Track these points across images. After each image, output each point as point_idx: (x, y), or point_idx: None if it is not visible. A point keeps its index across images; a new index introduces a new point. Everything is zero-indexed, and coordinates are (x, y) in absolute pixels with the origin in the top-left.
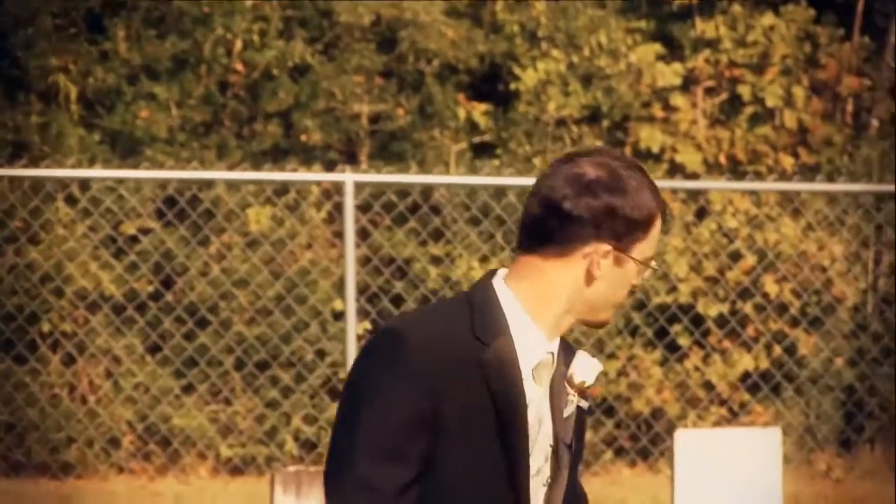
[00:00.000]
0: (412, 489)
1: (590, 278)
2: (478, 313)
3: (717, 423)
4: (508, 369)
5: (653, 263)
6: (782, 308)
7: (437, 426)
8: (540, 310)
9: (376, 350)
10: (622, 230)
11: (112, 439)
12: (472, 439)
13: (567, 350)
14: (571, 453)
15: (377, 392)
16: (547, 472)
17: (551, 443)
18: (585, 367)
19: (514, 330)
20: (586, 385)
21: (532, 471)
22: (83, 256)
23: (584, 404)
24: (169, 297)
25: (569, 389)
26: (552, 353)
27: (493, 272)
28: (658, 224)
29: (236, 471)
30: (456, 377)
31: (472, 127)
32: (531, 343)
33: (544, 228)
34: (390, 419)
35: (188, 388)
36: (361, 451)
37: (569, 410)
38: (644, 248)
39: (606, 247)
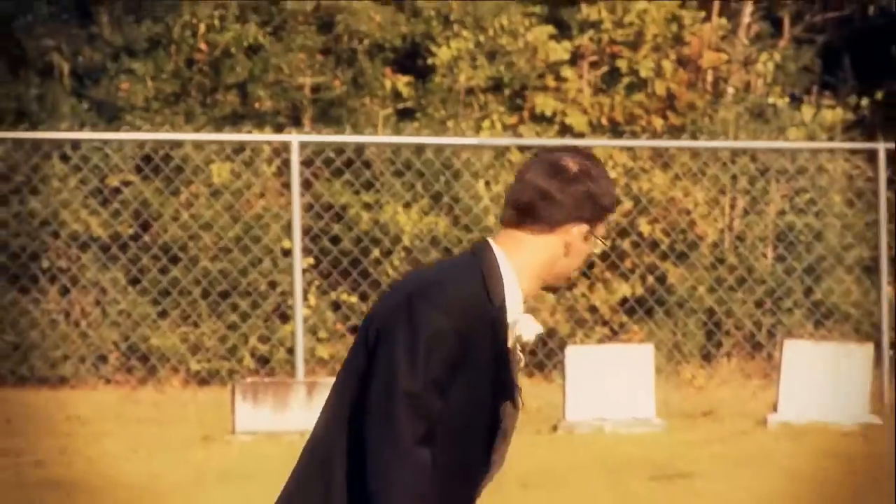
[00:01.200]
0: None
1: (567, 251)
2: (488, 279)
3: (600, 341)
4: (505, 327)
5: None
6: (654, 245)
7: (458, 366)
8: (524, 276)
9: (425, 305)
10: (595, 213)
11: (100, 356)
12: (477, 377)
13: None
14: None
15: (427, 343)
16: (509, 413)
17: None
18: (529, 329)
19: (507, 292)
20: (528, 342)
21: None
22: (75, 205)
23: (522, 359)
24: (146, 238)
25: (517, 342)
26: (521, 316)
27: (487, 241)
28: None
29: (203, 382)
30: (478, 331)
31: (397, 95)
32: (514, 304)
33: (535, 210)
34: (435, 358)
35: (163, 314)
36: (415, 377)
37: (521, 363)
38: (602, 227)
39: (584, 226)
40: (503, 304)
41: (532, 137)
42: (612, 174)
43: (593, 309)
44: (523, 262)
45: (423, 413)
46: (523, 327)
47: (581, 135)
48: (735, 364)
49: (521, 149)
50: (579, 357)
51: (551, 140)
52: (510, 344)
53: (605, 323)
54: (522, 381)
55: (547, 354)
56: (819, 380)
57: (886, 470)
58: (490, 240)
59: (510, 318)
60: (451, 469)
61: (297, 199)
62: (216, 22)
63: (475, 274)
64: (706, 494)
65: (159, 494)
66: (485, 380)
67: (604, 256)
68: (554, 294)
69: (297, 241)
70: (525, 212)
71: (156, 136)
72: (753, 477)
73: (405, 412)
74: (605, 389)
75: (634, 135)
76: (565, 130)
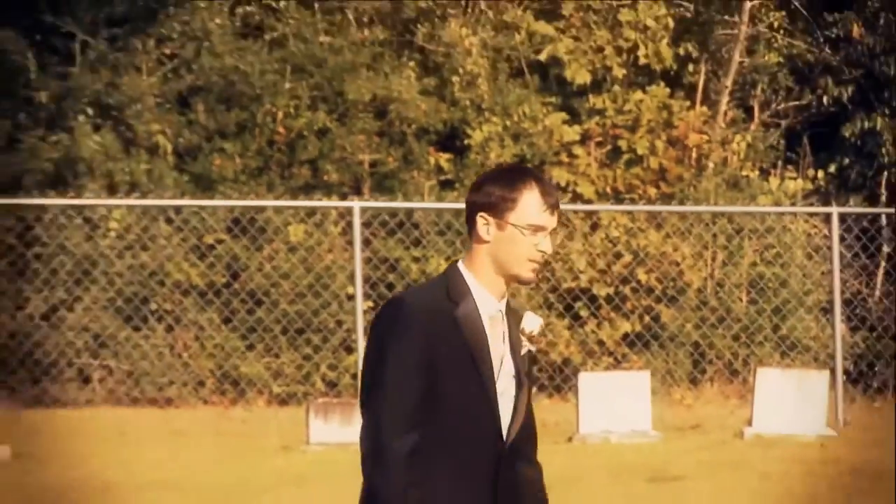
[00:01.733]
0: (417, 411)
1: (496, 245)
2: (450, 283)
3: (606, 368)
4: (473, 320)
5: (539, 235)
6: (650, 290)
7: (433, 366)
8: (483, 279)
9: (387, 315)
10: (495, 204)
11: (199, 381)
12: (458, 371)
13: (513, 312)
14: (528, 379)
15: (392, 344)
16: (512, 391)
17: (514, 373)
18: (531, 321)
19: (475, 294)
20: (532, 333)
21: (499, 389)
22: (177, 258)
23: (531, 347)
24: (236, 285)
25: (522, 337)
26: (500, 311)
27: (456, 260)
28: (527, 200)
29: (283, 402)
30: (441, 328)
31: (439, 169)
32: (486, 303)
33: (468, 223)
34: (403, 363)
35: (250, 347)
36: (392, 381)
37: (523, 351)
38: (518, 216)
39: (484, 214)
40: (468, 301)
41: None
42: (615, 233)
43: (601, 342)
44: (477, 267)
45: (396, 403)
46: (526, 322)
47: (589, 201)
48: (717, 387)
49: None
50: (589, 381)
51: (564, 205)
52: (495, 333)
53: (610, 353)
54: (545, 400)
55: (563, 379)
56: (785, 400)
57: (840, 472)
58: (459, 260)
59: (485, 313)
60: (451, 444)
61: (358, 253)
62: (291, 110)
63: (438, 283)
64: (693, 493)
65: (247, 494)
66: (461, 363)
67: (609, 300)
68: (568, 331)
69: (358, 288)
70: (468, 229)
71: (243, 203)
72: (732, 478)
73: (377, 404)
74: (611, 407)
75: (633, 201)
76: (576, 197)
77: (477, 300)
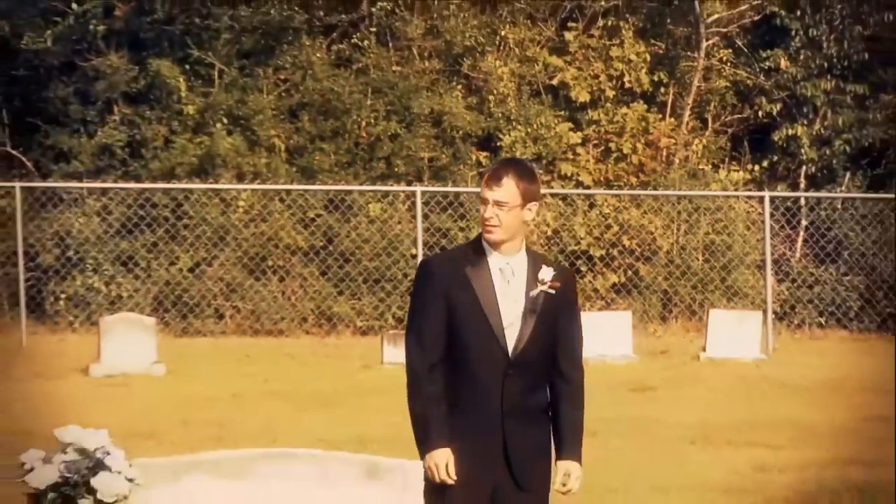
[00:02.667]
0: (439, 336)
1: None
2: (471, 246)
3: (600, 309)
4: (480, 272)
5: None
6: (631, 252)
7: (450, 307)
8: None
9: (417, 272)
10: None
11: (303, 318)
12: (469, 310)
13: (537, 259)
14: (535, 315)
15: (421, 293)
16: (519, 323)
17: (523, 310)
18: (544, 272)
19: (487, 254)
20: (544, 279)
21: (508, 321)
22: (288, 228)
23: (547, 290)
24: (331, 247)
25: (538, 283)
26: (508, 264)
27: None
28: (484, 184)
29: (364, 333)
30: (455, 280)
31: (479, 164)
32: (495, 260)
33: None
34: (423, 304)
35: (340, 293)
36: (417, 317)
37: (535, 293)
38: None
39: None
40: (475, 259)
41: (558, 189)
42: (606, 210)
43: (595, 290)
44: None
45: (417, 332)
46: (541, 273)
47: (588, 187)
48: (680, 323)
49: (553, 195)
50: (587, 319)
51: (570, 190)
52: (500, 282)
53: (602, 298)
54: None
55: None
56: (730, 333)
57: (770, 385)
58: None
59: (494, 266)
60: (466, 363)
61: (419, 225)
62: (371, 120)
63: (461, 247)
64: (663, 399)
65: (338, 400)
66: (471, 304)
67: (601, 259)
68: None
69: (419, 250)
70: None
71: (336, 188)
72: (691, 389)
73: (407, 335)
74: (604, 338)
75: (620, 187)
76: (578, 184)
77: (488, 258)
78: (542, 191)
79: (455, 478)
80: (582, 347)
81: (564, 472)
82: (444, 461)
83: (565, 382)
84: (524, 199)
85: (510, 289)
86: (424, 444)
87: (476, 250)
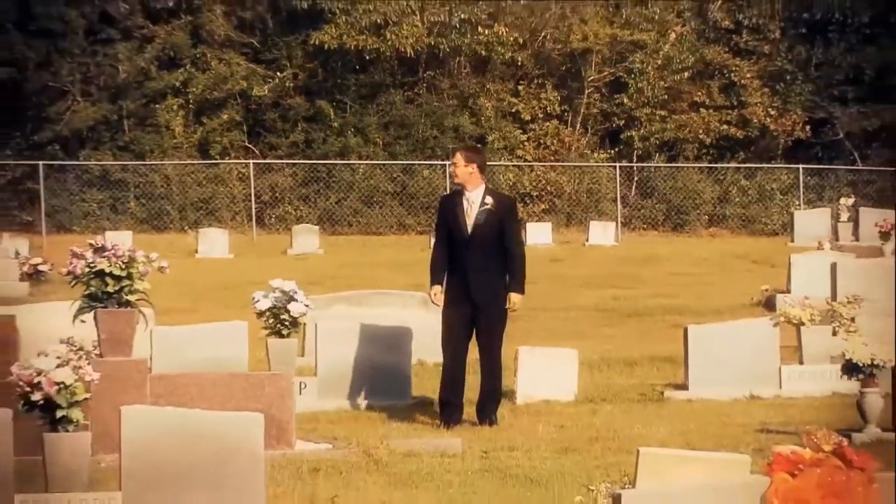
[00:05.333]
0: (443, 237)
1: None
2: (456, 191)
3: (537, 221)
4: (454, 203)
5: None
6: (550, 193)
7: (447, 221)
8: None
9: (438, 204)
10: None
11: None
12: (452, 222)
13: (490, 193)
14: (482, 218)
15: (437, 217)
16: (472, 224)
17: (475, 220)
18: (487, 199)
19: (462, 193)
20: (487, 203)
21: (468, 223)
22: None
23: (490, 207)
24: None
25: (484, 203)
26: (469, 197)
27: None
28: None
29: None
30: (448, 207)
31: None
32: (464, 195)
33: None
34: (437, 222)
35: None
36: (436, 229)
37: (482, 209)
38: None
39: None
40: (454, 197)
41: (517, 162)
42: (538, 172)
43: (533, 212)
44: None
45: (435, 237)
46: (486, 200)
47: (529, 160)
48: (573, 227)
49: (514, 166)
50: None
51: (521, 163)
52: (472, 206)
53: (535, 215)
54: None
55: None
56: (601, 234)
57: (621, 259)
58: None
59: (465, 200)
60: (451, 259)
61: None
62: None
63: (456, 190)
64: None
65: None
66: (452, 219)
67: (536, 196)
68: None
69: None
70: None
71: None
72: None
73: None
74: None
75: (546, 160)
76: (525, 160)
77: (463, 195)
78: (507, 163)
79: (441, 302)
80: (520, 236)
81: (511, 300)
82: (433, 293)
83: (510, 256)
84: (466, 162)
85: (470, 208)
86: (431, 286)
87: (459, 192)
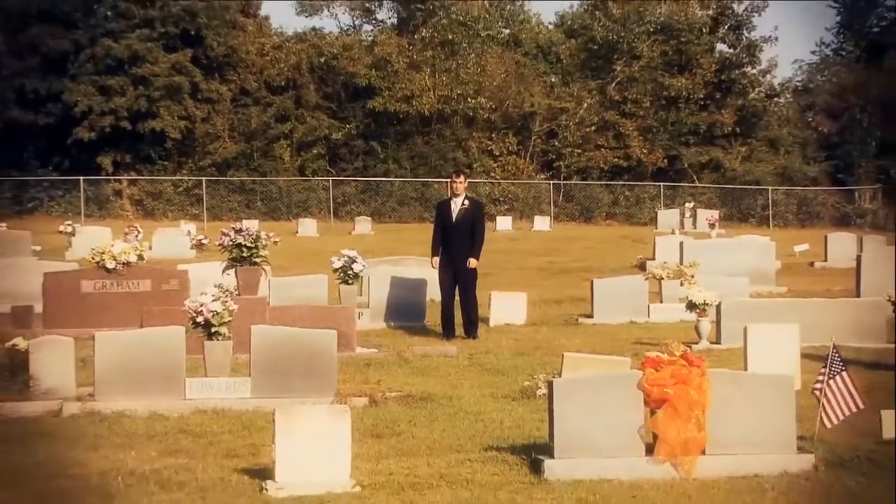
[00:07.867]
0: (439, 227)
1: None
2: (449, 197)
3: (501, 216)
4: (447, 206)
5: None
6: (510, 199)
7: (441, 217)
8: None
9: (436, 206)
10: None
11: None
12: (444, 219)
13: (468, 199)
14: (461, 214)
15: (435, 214)
16: (456, 216)
17: (459, 216)
18: (464, 203)
19: (452, 198)
20: (464, 205)
21: (454, 216)
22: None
23: (465, 207)
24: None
25: (463, 205)
26: (456, 203)
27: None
28: (455, 177)
29: None
30: (442, 208)
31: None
32: (453, 200)
33: None
34: (435, 220)
35: None
36: (434, 223)
37: (461, 208)
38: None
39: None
40: (448, 202)
41: (487, 180)
42: (502, 188)
43: (494, 214)
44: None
45: (435, 221)
46: (464, 203)
47: (497, 178)
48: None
49: (487, 182)
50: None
51: (491, 180)
52: (456, 208)
53: (500, 213)
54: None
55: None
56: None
57: (557, 241)
58: None
59: (454, 203)
60: (443, 239)
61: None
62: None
63: (448, 198)
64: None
65: None
66: (445, 217)
67: (501, 201)
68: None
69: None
70: None
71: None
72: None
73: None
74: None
75: (506, 178)
76: (494, 178)
77: (452, 200)
78: (484, 181)
79: (437, 266)
80: (483, 225)
81: (469, 262)
82: (433, 262)
83: (476, 238)
84: (464, 180)
85: (456, 208)
86: (431, 256)
87: (449, 199)
